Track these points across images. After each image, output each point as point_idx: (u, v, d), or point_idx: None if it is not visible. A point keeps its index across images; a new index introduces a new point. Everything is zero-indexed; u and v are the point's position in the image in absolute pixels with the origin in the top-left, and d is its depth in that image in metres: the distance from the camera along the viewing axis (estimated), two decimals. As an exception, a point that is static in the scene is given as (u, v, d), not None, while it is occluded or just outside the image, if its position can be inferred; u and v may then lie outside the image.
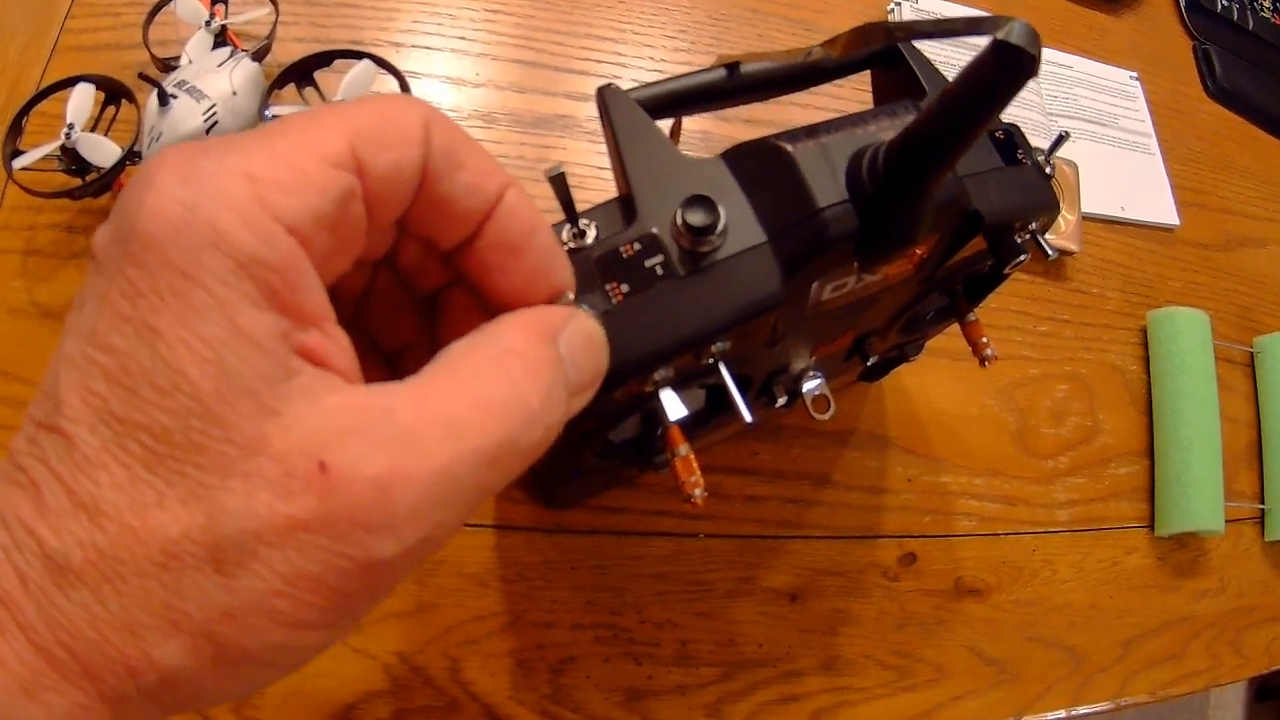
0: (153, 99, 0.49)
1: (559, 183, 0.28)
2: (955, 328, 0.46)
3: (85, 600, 0.19)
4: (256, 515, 0.19)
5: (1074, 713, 0.58)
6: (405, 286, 0.28)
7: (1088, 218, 0.72)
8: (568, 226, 0.30)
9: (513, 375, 0.22)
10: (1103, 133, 0.78)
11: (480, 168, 0.24)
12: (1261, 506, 0.69)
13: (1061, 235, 0.68)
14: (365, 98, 0.23)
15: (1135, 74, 0.84)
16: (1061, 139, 0.40)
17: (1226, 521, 0.64)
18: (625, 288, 0.29)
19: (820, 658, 0.53)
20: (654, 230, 0.30)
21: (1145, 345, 0.71)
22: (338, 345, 0.21)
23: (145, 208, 0.19)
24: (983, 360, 0.43)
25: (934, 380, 0.62)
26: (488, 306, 0.25)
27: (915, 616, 0.56)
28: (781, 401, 0.41)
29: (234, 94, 0.51)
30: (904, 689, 0.54)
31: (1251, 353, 0.75)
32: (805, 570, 0.54)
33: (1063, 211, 0.69)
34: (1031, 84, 0.75)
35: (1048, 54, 0.81)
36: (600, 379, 0.26)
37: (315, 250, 0.20)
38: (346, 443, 0.19)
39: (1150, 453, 0.67)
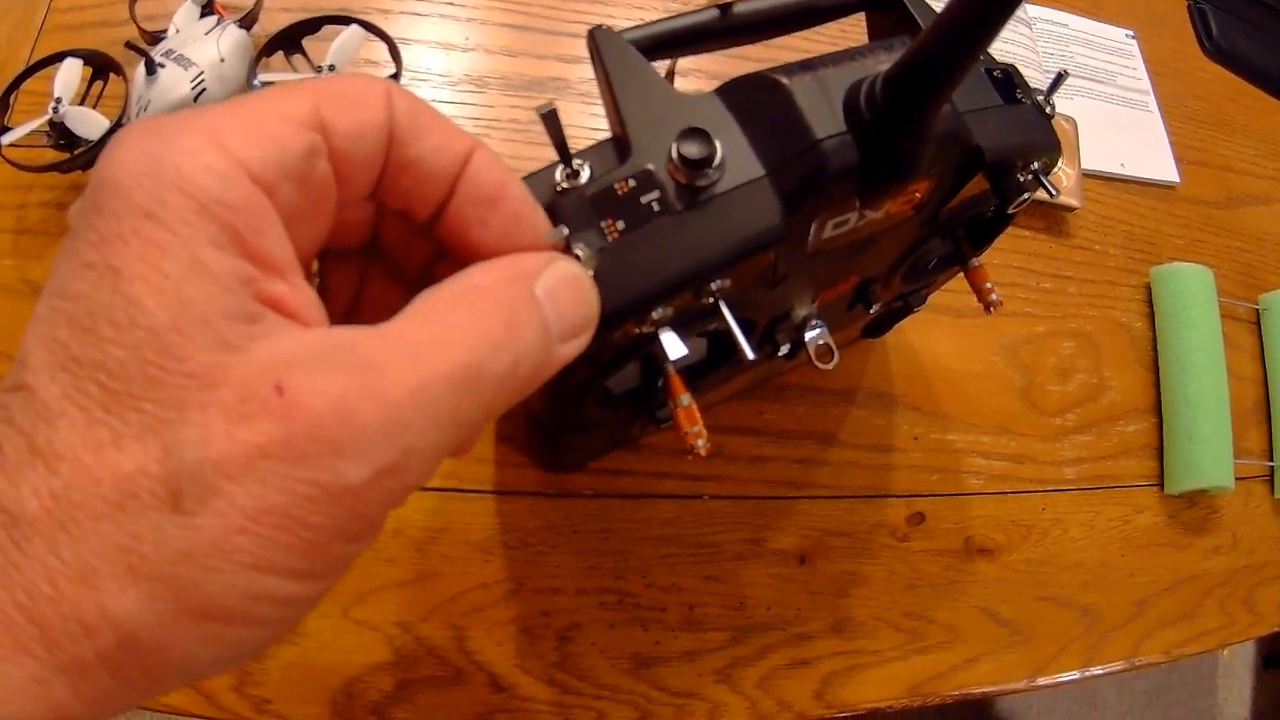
0: (140, 69, 0.49)
1: (551, 120, 0.28)
2: (959, 283, 0.45)
3: (40, 552, 0.18)
4: (213, 445, 0.18)
5: (1088, 673, 0.57)
6: (397, 289, 0.28)
7: (1088, 174, 0.72)
8: (561, 166, 0.30)
9: (476, 307, 0.22)
10: (1100, 90, 0.77)
11: (445, 129, 0.24)
12: (1271, 464, 0.69)
13: (1063, 191, 0.67)
14: (331, 75, 0.23)
15: (1132, 32, 0.83)
16: (1060, 78, 0.39)
17: (1236, 479, 0.63)
18: (621, 225, 0.29)
19: (830, 620, 0.52)
20: (649, 166, 0.29)
21: (1150, 302, 0.70)
22: (305, 298, 0.21)
23: (112, 160, 0.19)
24: (988, 306, 0.42)
25: (939, 337, 0.61)
26: None
27: (926, 577, 0.55)
28: (784, 350, 0.40)
29: (221, 61, 0.50)
30: (916, 651, 0.53)
31: (1257, 310, 0.74)
32: (813, 531, 0.54)
33: (1063, 167, 0.68)
34: (1028, 41, 0.75)
35: (1044, 12, 0.80)
36: (591, 323, 0.26)
37: (282, 202, 0.21)
38: (306, 367, 0.19)
39: (1158, 410, 0.66)
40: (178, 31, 0.53)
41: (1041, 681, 0.55)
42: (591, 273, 0.27)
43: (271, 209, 0.20)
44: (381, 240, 0.27)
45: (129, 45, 0.49)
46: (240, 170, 0.19)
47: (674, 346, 0.30)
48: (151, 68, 0.49)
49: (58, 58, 0.51)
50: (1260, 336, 0.73)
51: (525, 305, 0.23)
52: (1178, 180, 0.76)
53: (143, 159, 0.19)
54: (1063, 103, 0.74)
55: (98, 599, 0.18)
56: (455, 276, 0.23)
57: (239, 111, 0.21)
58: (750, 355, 0.31)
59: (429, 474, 0.21)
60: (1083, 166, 0.70)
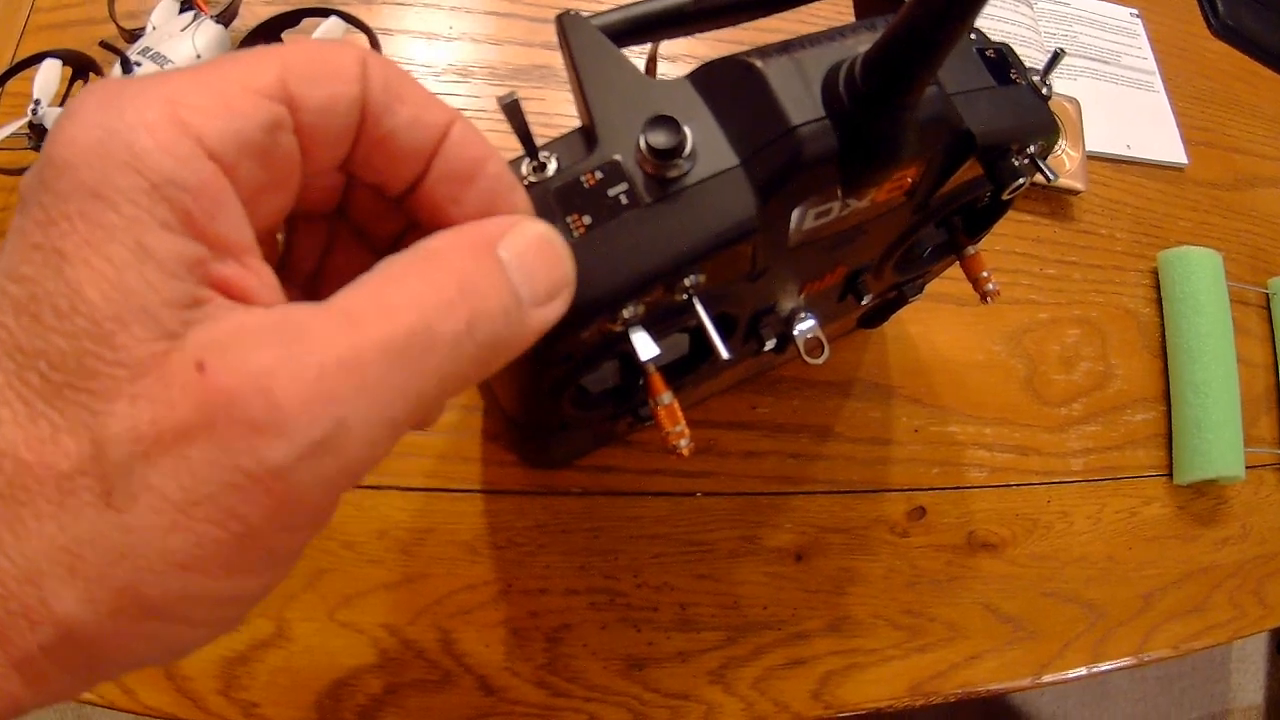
0: (116, 68, 0.48)
1: (513, 111, 0.26)
2: (958, 271, 0.44)
3: None
4: (141, 436, 0.17)
5: (1095, 670, 0.56)
6: (365, 249, 0.27)
7: (1093, 156, 0.70)
8: (527, 160, 0.28)
9: (426, 271, 0.21)
10: (1105, 70, 0.76)
11: (422, 102, 0.23)
12: (1283, 452, 0.67)
13: (1066, 174, 0.66)
14: (302, 40, 0.22)
15: (1136, 11, 0.81)
16: (1056, 57, 0.37)
17: (1246, 468, 0.62)
18: (587, 219, 0.28)
19: (828, 619, 0.51)
20: (617, 157, 0.28)
21: (1157, 287, 0.68)
22: (260, 280, 0.20)
23: (63, 134, 0.18)
24: (984, 296, 0.41)
25: (938, 326, 0.60)
26: None
27: (926, 573, 0.54)
28: (770, 345, 0.39)
29: (198, 57, 0.49)
30: (916, 649, 0.52)
31: (1267, 294, 0.72)
32: (810, 528, 0.52)
33: (1066, 149, 0.67)
34: (1029, 21, 0.73)
35: (1046, -9, 0.79)
36: (568, 284, 0.24)
37: (241, 180, 0.19)
38: (228, 342, 0.18)
39: (1166, 398, 0.65)
40: (155, 29, 0.52)
41: (1047, 679, 0.54)
42: None
43: (228, 188, 0.19)
44: (351, 210, 0.26)
45: (103, 44, 0.48)
46: (196, 147, 0.18)
47: (645, 346, 0.29)
48: (127, 66, 0.48)
49: (37, 59, 0.51)
50: (1270, 321, 0.72)
51: (483, 264, 0.22)
52: (1185, 162, 0.74)
53: (94, 134, 0.18)
54: (1066, 83, 0.73)
55: (40, 596, 0.17)
56: (415, 244, 0.22)
57: (200, 79, 0.19)
58: (725, 355, 0.30)
59: (376, 452, 0.20)
60: (1087, 149, 0.68)
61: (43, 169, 0.18)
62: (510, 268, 0.22)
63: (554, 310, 0.24)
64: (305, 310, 0.19)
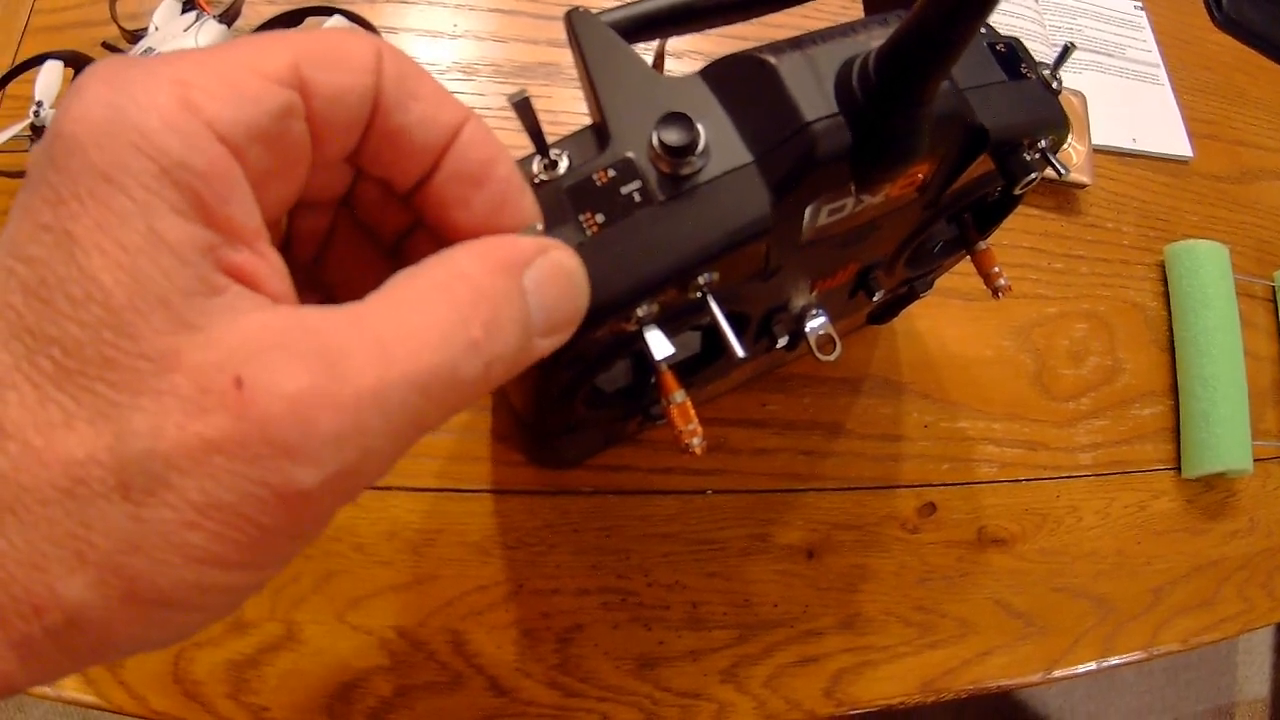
0: (118, 68, 0.48)
1: (524, 109, 0.26)
2: (967, 266, 0.44)
3: None
4: (166, 436, 0.17)
5: (1104, 664, 0.56)
6: (368, 237, 0.27)
7: (1098, 150, 0.70)
8: (538, 158, 0.28)
9: (456, 300, 0.20)
10: (1109, 63, 0.75)
11: (436, 98, 0.23)
12: (1290, 444, 0.67)
13: (1073, 168, 0.66)
14: (317, 29, 0.22)
15: (1140, 3, 0.81)
16: (1067, 50, 0.37)
17: (1254, 460, 0.62)
18: (600, 218, 0.27)
19: (840, 616, 0.51)
20: (629, 154, 0.28)
21: (1164, 281, 0.68)
22: (270, 267, 0.20)
23: (70, 112, 0.18)
24: (996, 291, 0.40)
25: (947, 322, 0.60)
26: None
27: (937, 570, 0.54)
28: (782, 342, 0.39)
29: (200, 57, 0.49)
30: (928, 646, 0.52)
31: (1273, 287, 0.72)
32: (820, 525, 0.52)
33: (1073, 143, 0.66)
34: (1034, 14, 0.73)
35: (1050, -15, 0.78)
36: (578, 319, 0.24)
37: (250, 165, 0.19)
38: (266, 358, 0.18)
39: (1174, 392, 0.65)
40: (157, 29, 0.52)
41: (1057, 674, 0.54)
42: None
43: (239, 172, 0.19)
44: (357, 203, 0.26)
45: (105, 45, 0.48)
46: (206, 131, 0.18)
47: (660, 345, 0.29)
48: (129, 66, 0.47)
49: (38, 60, 0.50)
50: (1276, 314, 0.71)
51: (509, 302, 0.21)
52: (1190, 155, 0.74)
53: (103, 113, 0.18)
54: (1071, 77, 0.72)
55: (47, 582, 0.17)
56: (440, 256, 0.22)
57: (211, 62, 0.19)
58: (740, 353, 0.29)
59: (385, 473, 0.20)
60: (1093, 142, 0.68)
61: (51, 144, 0.18)
62: (530, 296, 0.22)
63: (556, 343, 0.24)
64: (334, 323, 0.19)
